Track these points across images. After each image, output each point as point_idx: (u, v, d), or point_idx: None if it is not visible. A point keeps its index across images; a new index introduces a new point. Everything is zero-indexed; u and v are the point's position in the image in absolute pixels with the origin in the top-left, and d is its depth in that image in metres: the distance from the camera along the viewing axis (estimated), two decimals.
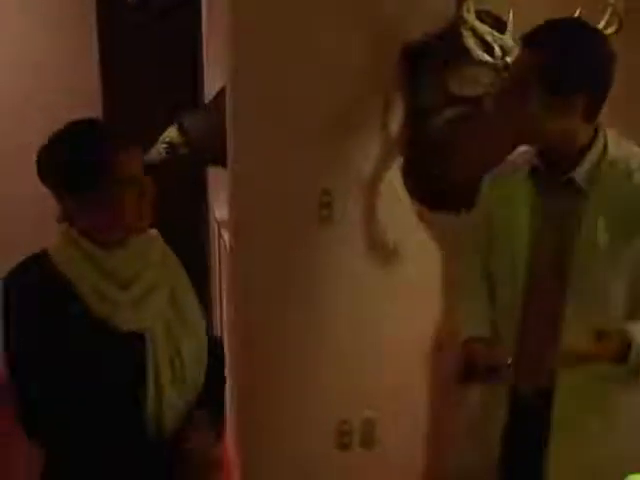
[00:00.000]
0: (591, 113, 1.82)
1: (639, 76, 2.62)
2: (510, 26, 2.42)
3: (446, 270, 2.98)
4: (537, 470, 2.00)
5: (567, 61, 1.76)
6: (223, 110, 3.32)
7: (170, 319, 1.74)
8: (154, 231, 1.82)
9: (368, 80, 2.79)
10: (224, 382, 1.96)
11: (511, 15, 2.42)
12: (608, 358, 1.77)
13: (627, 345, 1.75)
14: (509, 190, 2.05)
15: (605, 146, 1.85)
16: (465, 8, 2.38)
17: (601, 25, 2.36)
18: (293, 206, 2.85)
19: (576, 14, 2.36)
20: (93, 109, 4.34)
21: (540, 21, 2.24)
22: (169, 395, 1.70)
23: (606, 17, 2.37)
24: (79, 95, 4.47)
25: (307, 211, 2.85)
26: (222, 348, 2.02)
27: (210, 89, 4.16)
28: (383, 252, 2.95)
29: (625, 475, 1.85)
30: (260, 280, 2.88)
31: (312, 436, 3.00)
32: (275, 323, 2.89)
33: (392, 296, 2.98)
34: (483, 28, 2.40)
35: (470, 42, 2.41)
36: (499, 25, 2.54)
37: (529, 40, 1.86)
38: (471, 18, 2.40)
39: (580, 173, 1.86)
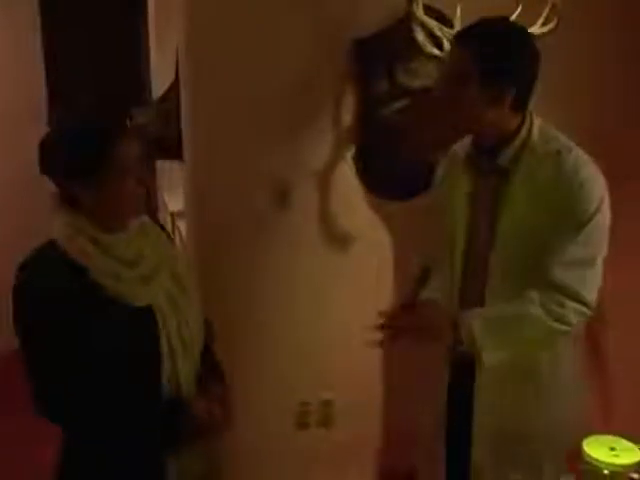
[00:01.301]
0: (519, 104, 1.97)
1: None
2: (458, 21, 2.55)
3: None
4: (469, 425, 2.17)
5: (497, 56, 1.91)
6: (174, 104, 3.38)
7: (174, 293, 1.84)
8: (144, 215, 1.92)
9: (321, 72, 2.90)
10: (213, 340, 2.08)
11: (459, 10, 2.55)
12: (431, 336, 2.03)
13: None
14: (452, 176, 2.20)
15: (529, 132, 2.00)
16: (414, 4, 2.51)
17: (540, 21, 2.52)
18: (250, 195, 2.94)
19: (517, 10, 2.52)
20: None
21: (485, 15, 2.41)
22: (182, 365, 1.82)
23: (545, 13, 2.52)
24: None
25: (263, 200, 2.95)
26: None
27: (157, 83, 4.21)
28: (338, 239, 3.07)
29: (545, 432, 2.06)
30: (217, 268, 2.96)
31: (273, 417, 3.10)
32: (233, 310, 2.97)
33: (347, 281, 3.11)
34: (432, 23, 2.53)
35: (420, 36, 2.55)
36: (442, 19, 2.68)
37: (463, 37, 2.01)
38: (420, 13, 2.52)
39: (504, 157, 2.01)
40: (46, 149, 1.73)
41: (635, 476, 1.70)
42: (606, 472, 1.69)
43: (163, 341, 1.78)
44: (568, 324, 1.95)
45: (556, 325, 1.94)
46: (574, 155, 1.96)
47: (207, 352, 1.98)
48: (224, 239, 2.94)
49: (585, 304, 1.94)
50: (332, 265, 3.08)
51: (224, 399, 1.90)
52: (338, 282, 3.10)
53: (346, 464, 3.27)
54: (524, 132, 2.00)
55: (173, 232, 3.70)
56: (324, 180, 2.99)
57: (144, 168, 1.79)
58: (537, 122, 2.03)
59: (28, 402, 1.73)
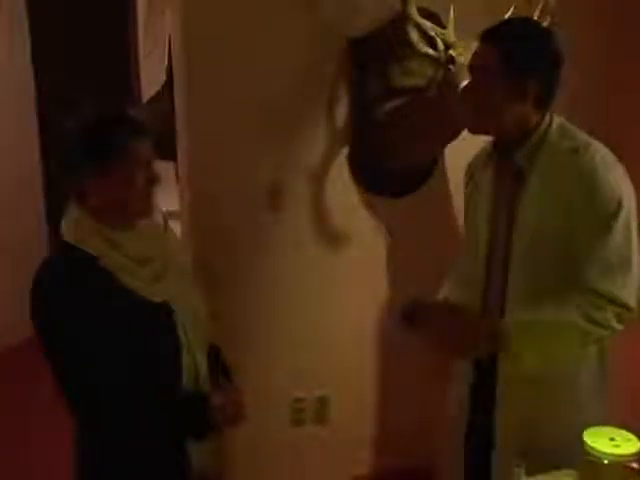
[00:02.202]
0: (541, 102, 2.01)
1: None
2: (451, 21, 2.58)
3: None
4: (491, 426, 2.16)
5: (521, 49, 1.96)
6: (167, 104, 3.40)
7: (185, 289, 1.88)
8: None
9: (315, 72, 2.92)
10: None
11: (452, 11, 2.58)
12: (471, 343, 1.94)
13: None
14: (477, 176, 2.23)
15: (547, 130, 2.03)
16: (409, 5, 2.54)
17: None
18: (245, 195, 2.96)
19: (510, 9, 2.55)
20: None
21: (477, 16, 2.45)
22: (200, 360, 1.87)
23: (537, 12, 2.56)
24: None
25: (259, 200, 2.97)
26: None
27: (147, 84, 4.22)
28: (332, 239, 3.09)
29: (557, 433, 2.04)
30: (212, 268, 2.97)
31: (268, 414, 3.12)
32: (228, 308, 2.98)
33: (340, 279, 3.13)
34: (426, 23, 2.57)
35: (414, 37, 2.58)
36: (433, 20, 2.71)
37: (489, 35, 2.04)
38: (415, 14, 2.56)
39: (520, 155, 2.04)
40: (65, 143, 1.76)
41: (634, 466, 1.74)
42: (606, 462, 1.73)
43: (181, 335, 1.81)
44: (610, 328, 1.92)
45: (597, 329, 1.91)
46: (591, 153, 1.96)
47: (212, 348, 2.01)
48: (218, 239, 2.95)
49: (625, 306, 1.91)
50: (327, 264, 3.11)
51: (237, 393, 1.93)
52: (332, 281, 3.13)
53: (341, 461, 3.30)
54: (542, 130, 2.02)
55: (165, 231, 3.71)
56: (319, 180, 3.02)
57: (154, 167, 1.80)
58: (557, 120, 2.05)
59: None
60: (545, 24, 2.50)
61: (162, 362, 1.78)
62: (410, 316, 2.07)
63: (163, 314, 1.79)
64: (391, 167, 3.03)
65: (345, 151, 3.03)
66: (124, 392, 1.70)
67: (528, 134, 2.03)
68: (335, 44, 2.91)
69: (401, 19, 2.61)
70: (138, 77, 4.64)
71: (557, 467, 1.93)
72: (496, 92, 1.97)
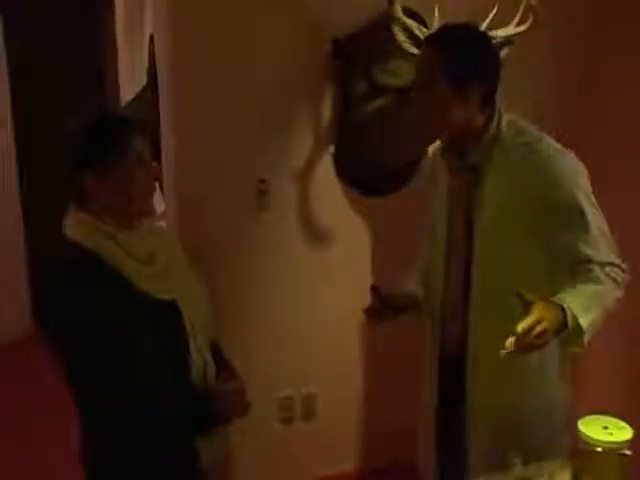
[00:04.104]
0: (485, 102, 2.05)
1: None
2: (436, 21, 2.62)
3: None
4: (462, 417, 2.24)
5: (464, 59, 2.00)
6: (147, 108, 3.41)
7: (187, 286, 1.89)
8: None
9: (299, 72, 2.95)
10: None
11: (437, 11, 2.62)
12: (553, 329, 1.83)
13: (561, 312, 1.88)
14: (434, 175, 2.28)
15: (498, 128, 2.07)
16: (395, 5, 2.58)
17: (515, 20, 2.61)
18: (231, 195, 2.98)
19: (494, 10, 2.60)
20: None
21: (461, 16, 2.49)
22: (207, 355, 1.89)
23: (520, 12, 2.61)
24: None
25: (245, 199, 2.99)
26: None
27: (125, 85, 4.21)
28: (318, 237, 3.12)
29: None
30: (198, 268, 2.97)
31: (256, 411, 3.11)
32: (216, 306, 2.99)
33: (326, 278, 3.17)
34: (412, 23, 2.60)
35: (400, 36, 2.61)
36: (417, 19, 2.75)
37: (431, 42, 2.11)
38: (400, 14, 2.59)
39: (474, 154, 2.09)
40: (68, 140, 1.76)
41: (627, 452, 1.79)
42: (600, 449, 1.79)
43: (190, 334, 1.83)
44: (622, 285, 2.03)
45: (619, 292, 2.02)
46: (544, 146, 2.04)
47: (212, 344, 2.02)
48: (204, 239, 2.96)
49: (620, 266, 2.04)
50: (312, 263, 3.14)
51: (240, 382, 1.96)
52: (318, 279, 3.16)
53: (327, 458, 3.33)
54: (493, 129, 2.07)
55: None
56: (304, 179, 3.04)
57: (154, 167, 1.82)
58: (506, 117, 2.10)
59: None
60: (528, 23, 2.55)
61: (173, 361, 1.78)
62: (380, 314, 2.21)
63: (172, 313, 1.81)
64: (376, 166, 3.07)
65: (330, 150, 3.06)
66: (133, 391, 1.71)
67: (479, 134, 2.07)
68: (320, 44, 2.93)
69: (387, 19, 2.65)
70: (117, 78, 4.63)
71: (530, 449, 2.02)
72: (440, 98, 2.00)
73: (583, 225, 2.00)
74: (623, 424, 1.83)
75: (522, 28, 2.58)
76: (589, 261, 1.99)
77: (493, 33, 2.53)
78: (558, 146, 2.06)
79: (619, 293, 2.01)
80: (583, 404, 2.33)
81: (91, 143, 1.74)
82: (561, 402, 2.21)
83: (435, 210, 2.23)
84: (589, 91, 3.32)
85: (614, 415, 1.86)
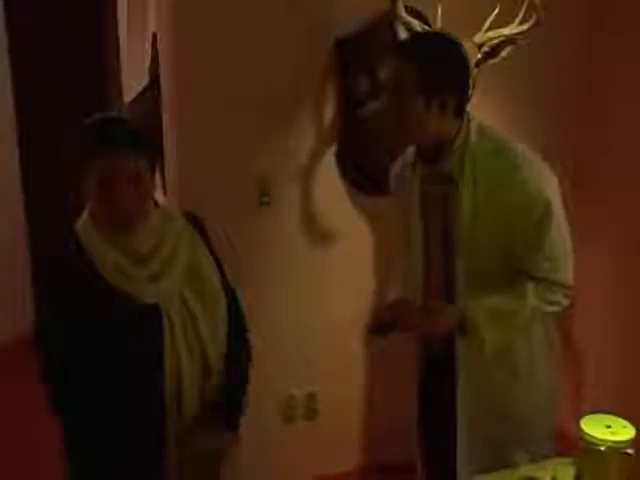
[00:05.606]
0: (459, 110, 2.06)
1: None
2: (438, 20, 2.62)
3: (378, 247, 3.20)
4: (452, 420, 2.25)
5: (438, 66, 2.01)
6: (149, 106, 3.40)
7: (187, 293, 1.85)
8: (173, 210, 1.97)
9: (303, 71, 2.95)
10: (246, 381, 2.06)
11: (440, 9, 2.62)
12: (441, 331, 2.08)
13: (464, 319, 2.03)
14: (406, 181, 2.28)
15: (467, 135, 2.08)
16: (398, 4, 2.58)
17: (518, 19, 2.60)
18: (234, 193, 2.98)
19: (496, 9, 2.60)
20: None
21: (463, 15, 2.49)
22: (186, 368, 1.83)
23: (522, 11, 2.60)
24: None
25: (248, 197, 2.99)
26: (249, 347, 2.11)
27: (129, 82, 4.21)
28: (321, 235, 3.12)
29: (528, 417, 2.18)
30: None
31: (259, 411, 3.13)
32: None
33: (328, 275, 3.17)
34: (415, 22, 2.60)
35: (403, 35, 2.61)
36: (419, 19, 2.75)
37: (406, 53, 2.09)
38: (403, 13, 2.59)
39: (445, 163, 2.09)
40: (65, 145, 1.77)
41: (630, 451, 1.79)
42: (603, 448, 1.78)
43: (167, 339, 1.79)
44: (562, 305, 2.11)
45: (552, 308, 2.10)
46: (513, 153, 2.05)
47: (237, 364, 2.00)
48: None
49: (568, 287, 2.09)
50: (315, 261, 3.13)
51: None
52: (321, 278, 3.16)
53: (330, 457, 3.33)
54: (462, 136, 2.07)
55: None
56: (307, 177, 3.04)
57: (147, 173, 1.78)
58: (474, 123, 2.10)
59: None
60: (530, 24, 2.54)
61: (139, 364, 1.77)
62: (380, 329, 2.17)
63: (149, 316, 1.78)
64: (378, 165, 3.06)
65: (333, 149, 3.06)
66: (97, 392, 1.72)
67: (451, 141, 2.07)
68: (322, 43, 2.93)
69: (389, 17, 2.65)
70: (119, 77, 4.62)
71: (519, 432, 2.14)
72: (416, 108, 2.00)
73: (540, 236, 2.03)
74: (625, 423, 1.84)
75: (525, 27, 2.58)
76: (528, 275, 2.05)
77: (497, 32, 2.54)
78: (526, 153, 2.07)
79: (549, 309, 2.09)
80: (585, 403, 2.35)
81: (82, 148, 1.73)
82: (549, 396, 2.26)
83: (411, 218, 2.23)
84: (593, 93, 3.32)
85: (617, 414, 1.86)
